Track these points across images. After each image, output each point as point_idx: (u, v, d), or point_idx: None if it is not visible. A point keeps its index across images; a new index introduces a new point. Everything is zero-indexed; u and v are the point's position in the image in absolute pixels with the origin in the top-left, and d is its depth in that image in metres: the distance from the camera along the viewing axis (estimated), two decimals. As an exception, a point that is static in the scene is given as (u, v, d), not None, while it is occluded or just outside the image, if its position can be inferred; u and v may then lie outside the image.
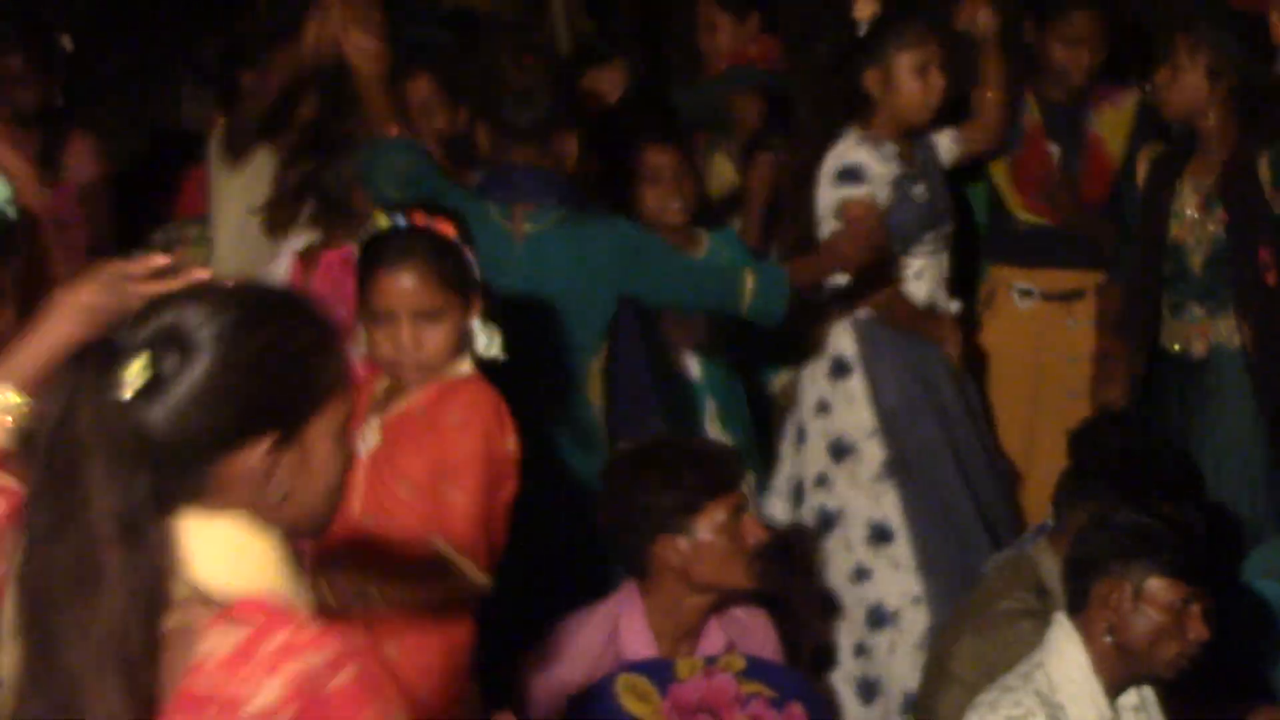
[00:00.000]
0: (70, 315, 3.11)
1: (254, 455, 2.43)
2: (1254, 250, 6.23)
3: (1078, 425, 6.02)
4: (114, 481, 2.36)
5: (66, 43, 7.43)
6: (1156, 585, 4.45)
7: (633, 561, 4.87)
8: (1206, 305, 6.32)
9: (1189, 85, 6.22)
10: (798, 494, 6.45)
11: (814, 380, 6.43)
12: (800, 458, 6.48)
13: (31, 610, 2.37)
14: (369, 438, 4.46)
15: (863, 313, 6.34)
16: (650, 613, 4.81)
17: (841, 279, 6.11)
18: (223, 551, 2.47)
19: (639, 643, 4.79)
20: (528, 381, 4.89)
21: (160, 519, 2.40)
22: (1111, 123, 6.90)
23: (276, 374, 2.52)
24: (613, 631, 4.86)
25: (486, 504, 4.41)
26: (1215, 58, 6.17)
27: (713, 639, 4.85)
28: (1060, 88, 6.93)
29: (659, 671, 4.70)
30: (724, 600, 4.90)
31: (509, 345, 4.67)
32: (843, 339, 6.38)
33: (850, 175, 6.17)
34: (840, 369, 6.39)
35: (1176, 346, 6.42)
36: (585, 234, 5.46)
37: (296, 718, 2.40)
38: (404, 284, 4.42)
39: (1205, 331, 6.36)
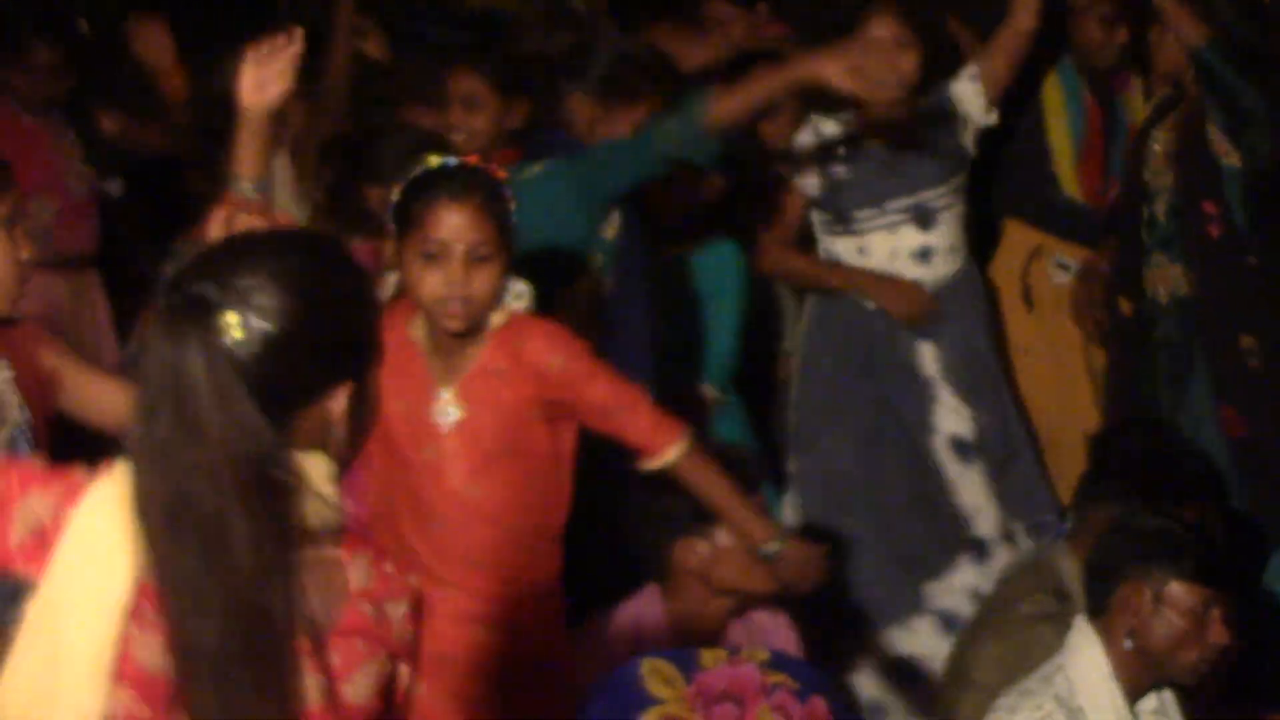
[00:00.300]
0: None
1: (336, 401, 2.57)
2: (1199, 202, 6.33)
3: (1098, 428, 6.09)
4: (232, 430, 2.46)
5: (83, 25, 7.59)
6: (1177, 590, 4.43)
7: (653, 564, 4.94)
8: (1168, 254, 6.37)
9: (1171, 44, 6.34)
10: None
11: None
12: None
13: (156, 531, 2.48)
14: (449, 411, 4.45)
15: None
16: (671, 615, 4.89)
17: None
18: (321, 484, 2.59)
19: (660, 645, 4.84)
20: None
21: (279, 466, 2.51)
22: (1134, 107, 7.00)
23: (354, 330, 2.64)
24: (635, 624, 4.94)
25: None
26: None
27: (733, 637, 4.93)
28: (1097, 61, 7.08)
29: (684, 659, 4.71)
30: (745, 604, 4.95)
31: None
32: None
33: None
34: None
35: (1154, 292, 6.48)
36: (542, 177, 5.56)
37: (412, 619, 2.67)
38: (461, 219, 4.36)
39: (1166, 279, 6.40)
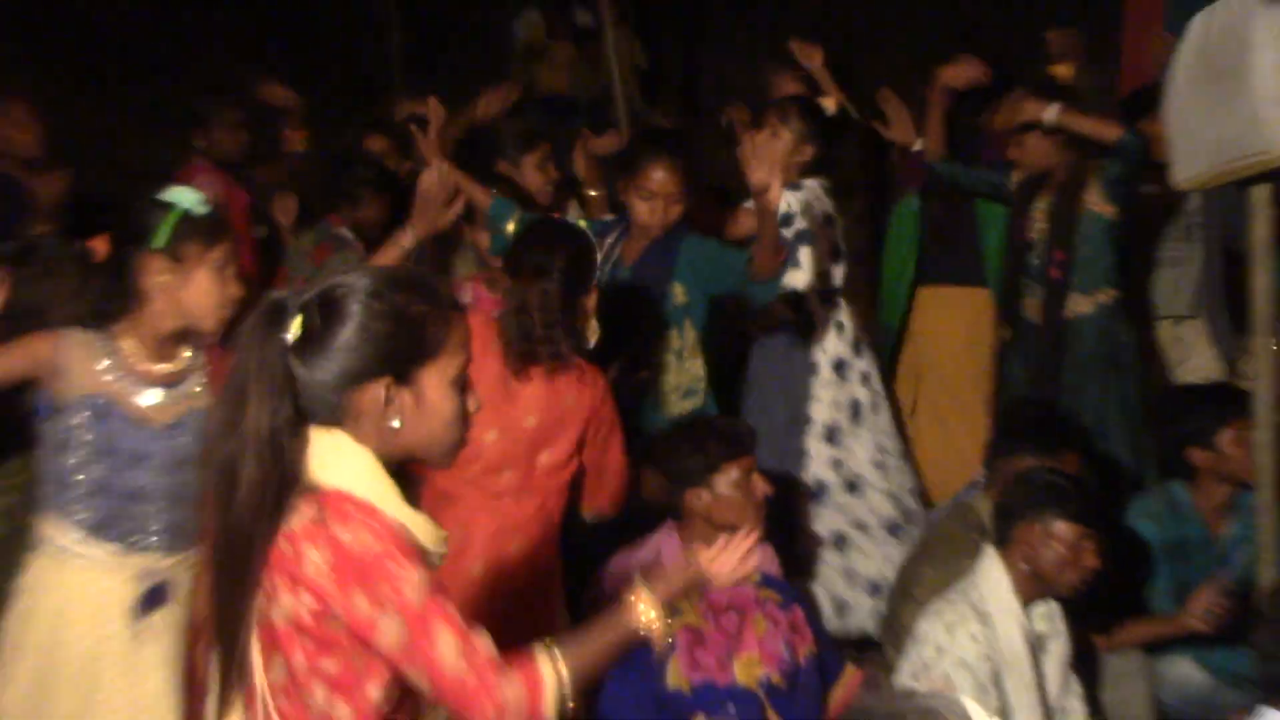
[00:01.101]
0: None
1: (374, 392, 2.91)
2: (1053, 250, 7.08)
3: (1004, 405, 6.71)
4: (264, 406, 2.87)
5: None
6: (1061, 527, 5.03)
7: (671, 507, 5.36)
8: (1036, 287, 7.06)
9: (1034, 145, 7.06)
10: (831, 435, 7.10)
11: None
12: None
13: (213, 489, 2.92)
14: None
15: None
16: (684, 545, 5.28)
17: None
18: (330, 454, 2.93)
19: (674, 558, 5.19)
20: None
21: (295, 437, 2.89)
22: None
23: (394, 333, 2.92)
24: (657, 557, 5.33)
25: None
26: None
27: None
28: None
29: None
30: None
31: None
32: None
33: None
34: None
35: (1028, 315, 7.07)
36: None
37: (334, 579, 2.86)
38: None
39: (1033, 306, 7.07)
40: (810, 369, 7.18)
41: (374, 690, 2.93)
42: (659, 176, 6.22)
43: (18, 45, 9.91)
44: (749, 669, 4.95)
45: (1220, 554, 5.83)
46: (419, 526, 2.96)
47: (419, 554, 2.92)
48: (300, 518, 2.87)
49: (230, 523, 2.89)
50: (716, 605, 5.06)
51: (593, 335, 5.29)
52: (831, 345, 7.22)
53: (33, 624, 4.41)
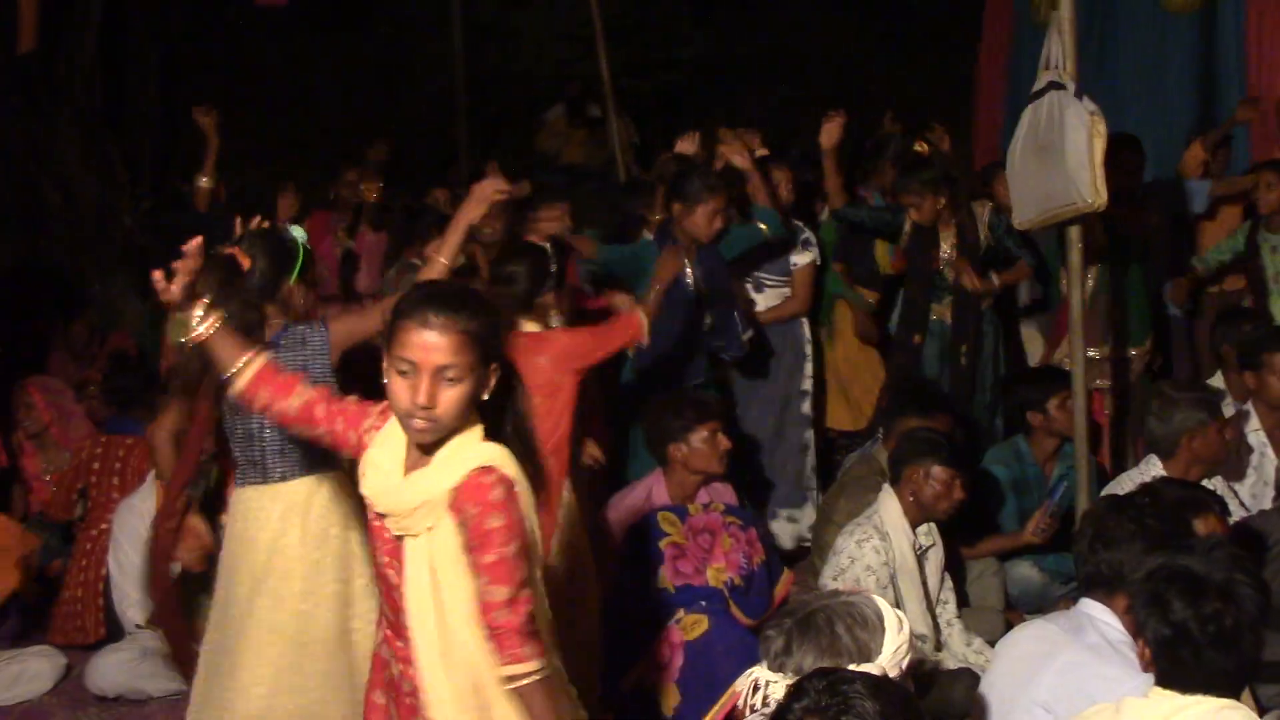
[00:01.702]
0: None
1: (490, 375, 2.89)
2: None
3: (895, 382, 6.64)
4: None
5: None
6: (937, 470, 5.06)
7: (659, 457, 5.32)
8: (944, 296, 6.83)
9: (929, 207, 6.73)
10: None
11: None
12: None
13: None
14: None
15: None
16: (669, 485, 5.26)
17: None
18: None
19: (662, 499, 5.22)
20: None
21: None
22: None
23: (495, 336, 2.92)
24: (649, 494, 5.30)
25: None
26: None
27: (702, 497, 5.25)
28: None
29: (679, 510, 5.04)
30: (708, 479, 5.31)
31: None
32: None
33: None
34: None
35: (935, 317, 6.85)
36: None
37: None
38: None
39: (941, 311, 6.84)
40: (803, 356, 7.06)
41: None
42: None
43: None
44: (718, 574, 4.90)
45: (1050, 488, 5.78)
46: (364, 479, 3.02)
47: None
48: None
49: None
50: (695, 528, 5.00)
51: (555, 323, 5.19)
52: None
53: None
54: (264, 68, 14.01)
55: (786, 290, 6.92)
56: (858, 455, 6.20)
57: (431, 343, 2.82)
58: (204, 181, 7.35)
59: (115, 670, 5.55)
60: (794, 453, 6.93)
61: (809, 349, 7.01)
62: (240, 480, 4.31)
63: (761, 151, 6.86)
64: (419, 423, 2.85)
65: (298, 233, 4.39)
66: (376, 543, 3.04)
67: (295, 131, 13.01)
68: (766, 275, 6.84)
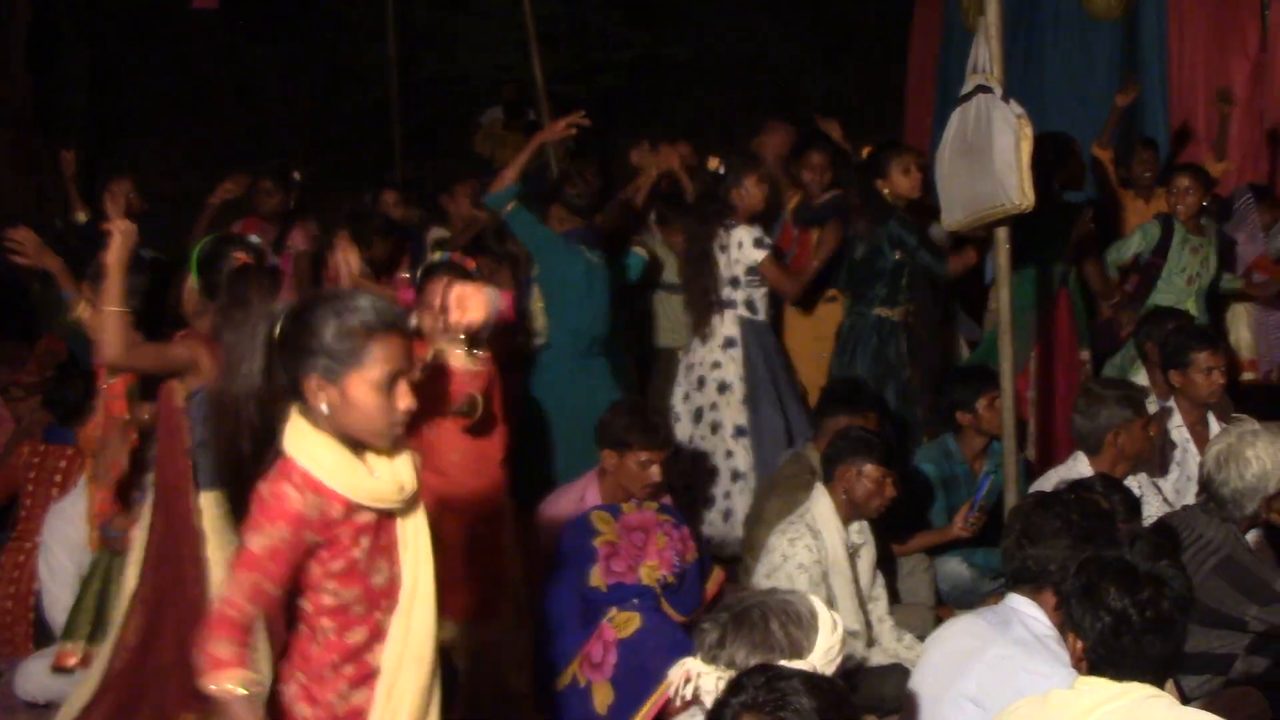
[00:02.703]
0: None
1: (311, 384, 2.80)
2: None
3: (828, 380, 6.60)
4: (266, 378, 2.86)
5: (296, 175, 8.08)
6: (869, 469, 5.06)
7: (601, 455, 5.24)
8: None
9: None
10: (698, 413, 6.71)
11: (711, 350, 6.71)
12: (700, 394, 6.72)
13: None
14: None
15: (744, 312, 6.70)
16: (602, 487, 5.25)
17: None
18: (295, 433, 2.84)
19: (593, 497, 5.23)
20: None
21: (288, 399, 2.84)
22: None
23: (312, 348, 2.81)
24: (582, 495, 5.30)
25: None
26: None
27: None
28: (806, 196, 7.26)
29: (613, 509, 5.05)
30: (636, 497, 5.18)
31: None
32: (731, 328, 6.69)
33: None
34: (730, 344, 6.69)
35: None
36: (615, 268, 6.09)
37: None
38: (440, 286, 4.62)
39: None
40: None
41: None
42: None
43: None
44: (651, 572, 4.90)
45: (977, 485, 5.81)
46: (364, 486, 2.87)
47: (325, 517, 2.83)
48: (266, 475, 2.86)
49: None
50: (628, 526, 5.01)
51: None
52: None
53: None
54: (202, 73, 13.90)
55: (764, 288, 6.84)
56: (789, 454, 6.19)
57: (404, 349, 2.86)
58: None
59: (44, 676, 5.45)
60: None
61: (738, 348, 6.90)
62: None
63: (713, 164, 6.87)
64: (399, 427, 2.88)
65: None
66: (347, 545, 2.95)
67: (235, 137, 12.91)
68: (740, 276, 6.77)
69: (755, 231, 6.73)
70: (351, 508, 2.86)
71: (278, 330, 2.83)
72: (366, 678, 2.97)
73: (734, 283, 6.72)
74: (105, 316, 4.12)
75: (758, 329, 6.79)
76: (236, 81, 14.10)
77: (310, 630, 2.93)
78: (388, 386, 2.81)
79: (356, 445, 2.88)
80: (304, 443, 2.84)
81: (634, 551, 4.93)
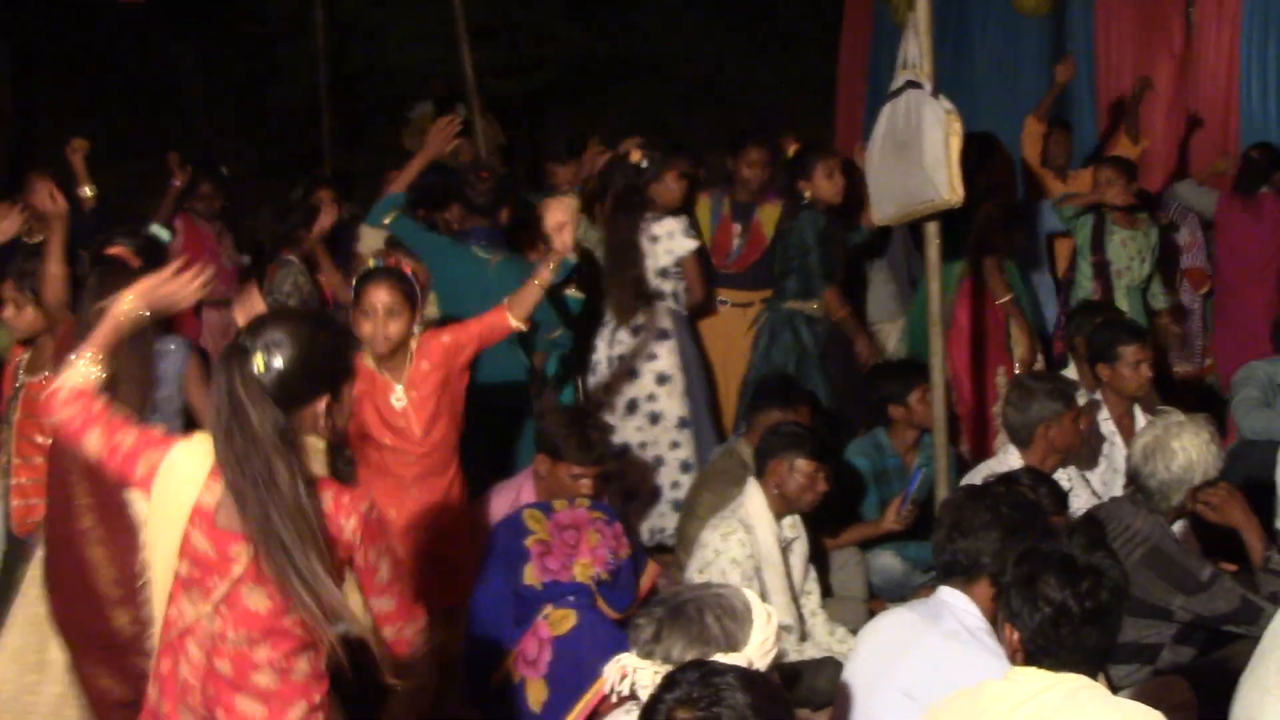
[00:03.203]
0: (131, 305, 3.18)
1: (319, 406, 2.90)
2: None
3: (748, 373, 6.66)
4: (265, 418, 2.83)
5: (224, 170, 8.07)
6: (801, 463, 5.15)
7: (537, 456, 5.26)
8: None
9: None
10: (632, 404, 6.70)
11: (646, 343, 6.72)
12: (634, 385, 6.72)
13: (237, 494, 2.83)
14: (402, 396, 4.82)
15: (672, 304, 6.74)
16: (537, 486, 5.28)
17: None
18: (314, 452, 2.95)
19: (528, 496, 5.25)
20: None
21: (296, 436, 2.87)
22: (769, 214, 7.16)
23: (328, 362, 2.91)
24: (518, 492, 5.34)
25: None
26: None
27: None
28: (744, 191, 7.25)
29: (544, 506, 5.01)
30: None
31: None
32: (664, 320, 6.74)
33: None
34: (664, 335, 6.73)
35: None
36: (522, 265, 5.96)
37: (361, 536, 2.92)
38: (381, 292, 4.77)
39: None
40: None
41: None
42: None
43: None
44: (584, 570, 4.88)
45: (909, 479, 5.86)
46: None
47: None
48: (328, 499, 2.89)
49: (283, 508, 2.83)
50: (560, 524, 4.99)
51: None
52: None
53: None
54: (126, 68, 13.74)
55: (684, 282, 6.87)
56: (720, 449, 6.22)
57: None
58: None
59: None
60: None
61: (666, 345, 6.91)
62: None
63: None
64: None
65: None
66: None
67: (158, 133, 12.77)
68: (669, 266, 6.81)
69: (683, 222, 6.78)
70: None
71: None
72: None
73: (663, 274, 6.76)
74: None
75: (684, 321, 6.84)
76: (160, 77, 13.94)
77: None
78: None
79: None
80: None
81: (567, 550, 4.91)
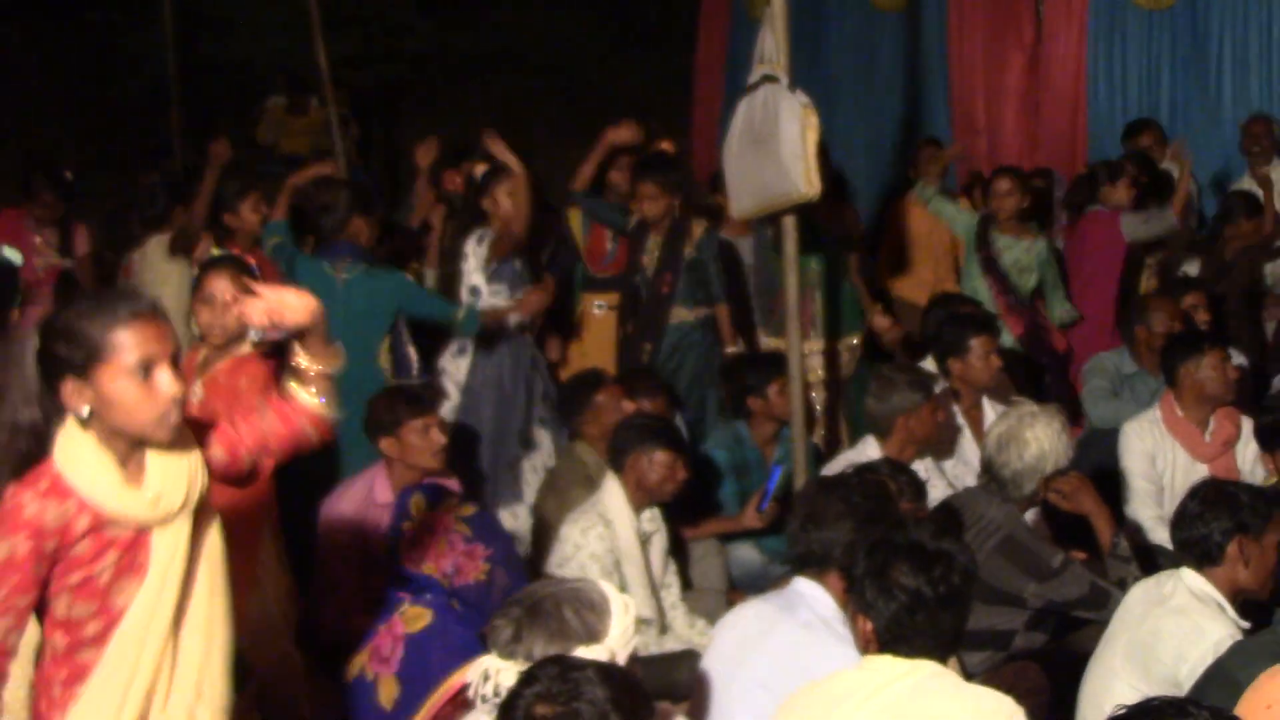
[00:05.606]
0: None
1: (67, 389, 2.73)
2: (663, 273, 6.94)
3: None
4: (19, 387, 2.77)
5: (68, 175, 7.88)
6: (659, 455, 5.10)
7: (377, 451, 5.25)
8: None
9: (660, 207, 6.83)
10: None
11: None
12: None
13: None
14: (196, 392, 4.63)
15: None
16: (390, 478, 5.20)
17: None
18: (65, 439, 2.77)
19: (385, 494, 5.18)
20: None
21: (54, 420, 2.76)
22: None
23: (59, 353, 2.73)
24: (370, 489, 5.26)
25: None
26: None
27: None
28: (614, 196, 7.31)
29: (434, 496, 5.08)
30: (426, 473, 5.21)
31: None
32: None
33: None
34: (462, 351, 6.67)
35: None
36: (377, 279, 5.97)
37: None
38: (222, 281, 4.70)
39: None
40: None
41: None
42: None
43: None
44: (430, 570, 4.88)
45: (768, 474, 5.85)
46: (116, 498, 2.78)
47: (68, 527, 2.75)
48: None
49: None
50: (428, 520, 5.00)
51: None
52: None
53: None
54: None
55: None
56: (561, 453, 6.22)
57: (157, 333, 2.78)
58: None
59: None
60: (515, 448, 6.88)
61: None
62: None
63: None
64: (172, 416, 2.80)
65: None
66: (88, 559, 2.84)
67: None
68: (484, 286, 6.76)
69: (483, 252, 6.69)
70: (102, 520, 2.77)
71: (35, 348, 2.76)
72: None
73: (474, 291, 6.70)
74: None
75: (495, 338, 6.69)
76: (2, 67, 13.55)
77: (45, 643, 2.84)
78: (144, 374, 2.73)
79: (138, 448, 2.81)
80: (70, 448, 2.76)
81: (423, 547, 4.91)
